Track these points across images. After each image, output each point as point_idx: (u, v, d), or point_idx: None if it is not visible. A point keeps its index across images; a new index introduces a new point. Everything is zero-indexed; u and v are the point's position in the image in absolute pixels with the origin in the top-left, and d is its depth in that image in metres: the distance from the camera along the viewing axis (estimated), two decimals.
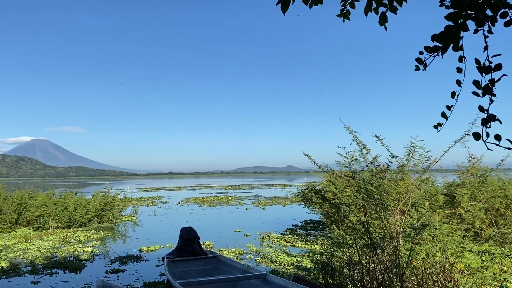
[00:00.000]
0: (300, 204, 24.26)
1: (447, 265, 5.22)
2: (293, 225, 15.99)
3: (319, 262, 6.94)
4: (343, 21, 3.16)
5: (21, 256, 10.59)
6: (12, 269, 9.11)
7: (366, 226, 5.74)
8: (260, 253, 10.38)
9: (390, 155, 6.02)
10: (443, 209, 7.59)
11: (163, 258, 8.02)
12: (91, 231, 15.21)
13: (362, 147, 6.48)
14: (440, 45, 2.20)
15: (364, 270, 5.98)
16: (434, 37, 2.19)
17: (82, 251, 11.19)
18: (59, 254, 10.81)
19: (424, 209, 5.95)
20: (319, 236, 12.99)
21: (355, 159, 6.29)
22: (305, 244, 11.63)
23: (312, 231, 14.31)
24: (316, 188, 15.11)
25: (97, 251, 11.28)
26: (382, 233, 5.86)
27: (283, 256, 9.70)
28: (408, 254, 5.33)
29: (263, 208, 23.98)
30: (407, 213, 5.91)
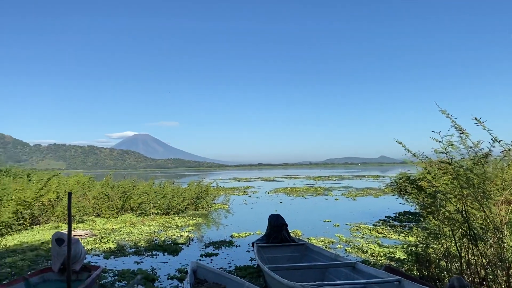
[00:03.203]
0: (393, 195, 23.33)
1: None
2: (386, 216, 15.45)
3: (413, 253, 6.66)
4: None
5: (126, 239, 11.68)
6: (118, 250, 10.10)
7: (465, 215, 5.36)
8: (350, 243, 10.23)
9: (492, 139, 5.49)
10: None
11: (252, 244, 8.29)
12: (187, 218, 16.23)
13: (461, 132, 6.02)
14: None
15: (464, 263, 5.61)
16: None
17: (179, 235, 12.00)
18: (159, 238, 11.72)
19: None
20: (414, 228, 12.38)
21: (452, 145, 5.86)
22: (399, 235, 11.20)
23: (406, 223, 13.71)
24: (411, 177, 14.37)
25: (192, 236, 12.03)
26: (484, 224, 5.42)
27: (375, 247, 9.46)
28: None
29: (354, 199, 23.46)
30: None
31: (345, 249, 9.50)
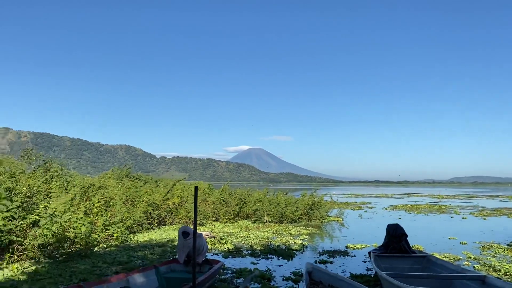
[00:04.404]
0: None
1: None
2: None
3: None
4: None
5: (242, 242, 12.25)
6: (236, 251, 10.66)
7: None
8: (480, 261, 9.31)
9: None
10: None
11: (369, 253, 8.07)
12: (301, 227, 16.36)
13: None
14: None
15: None
16: None
17: (293, 242, 12.18)
18: (273, 243, 12.05)
19: None
20: None
21: None
22: None
23: None
24: None
25: (306, 243, 12.11)
26: None
27: (510, 266, 8.45)
28: None
29: (485, 219, 21.17)
30: None
31: (474, 266, 8.67)
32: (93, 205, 12.01)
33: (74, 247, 9.65)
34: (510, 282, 6.23)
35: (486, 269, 8.39)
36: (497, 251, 10.76)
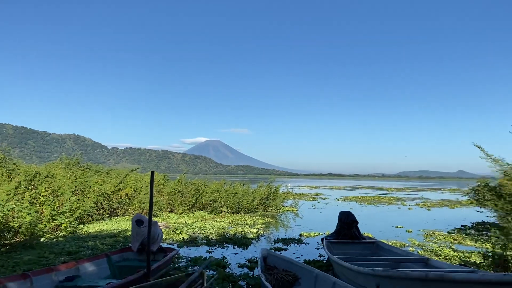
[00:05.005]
0: (471, 206, 21.88)
1: None
2: (462, 225, 14.64)
3: (489, 254, 6.30)
4: None
5: (198, 232, 12.20)
6: (191, 241, 10.61)
7: None
8: (423, 247, 9.84)
9: None
10: None
11: (322, 240, 8.30)
12: (257, 217, 16.52)
13: None
14: None
15: None
16: None
17: (248, 231, 12.29)
18: (229, 232, 12.09)
19: None
20: (492, 237, 11.61)
21: None
22: (475, 243, 10.60)
23: (484, 232, 12.85)
24: (490, 184, 13.48)
25: (261, 232, 12.26)
26: None
27: (449, 251, 9.03)
28: None
29: (428, 209, 22.33)
30: None
31: (418, 251, 9.16)
32: (40, 194, 11.50)
33: (18, 238, 9.22)
34: (449, 263, 6.65)
35: (429, 254, 8.89)
36: (438, 238, 11.44)
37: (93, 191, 14.71)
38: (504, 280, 3.23)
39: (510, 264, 6.00)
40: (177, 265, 7.72)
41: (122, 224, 13.56)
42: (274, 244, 10.31)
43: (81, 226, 12.69)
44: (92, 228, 12.53)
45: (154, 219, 15.13)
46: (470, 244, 10.47)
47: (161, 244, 7.61)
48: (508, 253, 6.21)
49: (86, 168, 19.85)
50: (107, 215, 15.41)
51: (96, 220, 14.37)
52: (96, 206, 14.54)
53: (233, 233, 11.92)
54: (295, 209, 20.24)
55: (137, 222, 7.24)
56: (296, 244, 10.30)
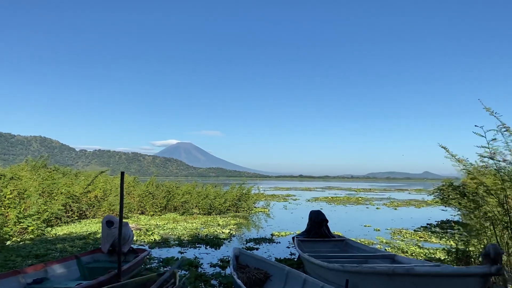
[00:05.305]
0: (436, 206, 22.65)
1: None
2: (427, 224, 15.16)
3: (453, 250, 6.61)
4: None
5: (170, 233, 12.14)
6: (163, 242, 10.55)
7: (506, 207, 5.30)
8: (390, 245, 10.16)
9: None
10: None
11: (293, 239, 8.44)
12: (229, 218, 16.56)
13: (505, 129, 5.96)
14: None
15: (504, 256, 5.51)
16: None
17: (221, 232, 12.32)
18: (201, 233, 12.09)
19: None
20: (456, 234, 12.11)
21: (496, 151, 5.80)
22: (440, 240, 11.03)
23: (448, 230, 13.38)
24: (454, 184, 14.06)
25: (234, 233, 12.33)
26: None
27: (415, 248, 9.37)
28: None
29: (395, 209, 22.99)
30: None
31: (385, 249, 9.44)
32: (4, 197, 11.16)
33: None
34: (415, 259, 6.93)
35: (396, 251, 9.19)
36: (405, 236, 11.84)
37: (61, 193, 14.36)
38: (467, 272, 3.42)
39: (472, 259, 6.29)
40: (148, 266, 7.68)
41: (91, 226, 13.31)
42: (246, 243, 10.40)
43: (49, 228, 12.38)
44: (61, 230, 12.25)
45: (125, 220, 14.92)
46: (435, 241, 10.88)
47: (132, 245, 7.55)
48: (470, 248, 6.51)
49: (53, 170, 19.33)
50: (76, 218, 15.07)
51: (65, 222, 14.05)
52: (65, 209, 14.21)
53: (205, 233, 11.92)
54: (267, 210, 20.40)
55: (107, 223, 7.16)
56: (267, 244, 10.43)
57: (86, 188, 16.11)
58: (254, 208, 20.58)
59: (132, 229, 12.55)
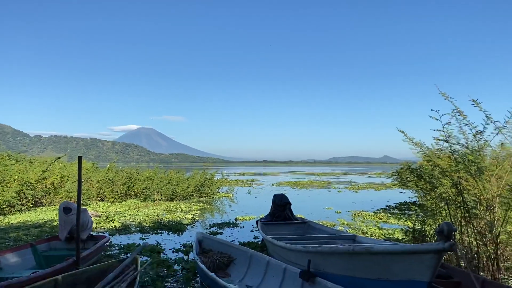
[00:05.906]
0: (395, 188, 23.48)
1: None
2: (386, 206, 15.68)
3: (410, 230, 6.85)
4: None
5: (130, 220, 11.89)
6: (123, 228, 10.33)
7: (460, 188, 5.51)
8: (351, 226, 10.43)
9: (486, 117, 5.65)
10: None
11: (257, 222, 8.49)
12: (192, 203, 16.44)
13: (459, 113, 6.16)
14: None
15: (457, 236, 5.76)
16: None
17: (183, 217, 12.21)
18: (163, 219, 11.92)
19: None
20: (413, 215, 12.62)
21: (450, 135, 5.97)
22: (398, 221, 11.47)
23: (406, 211, 13.90)
24: (412, 166, 14.60)
25: (197, 218, 12.25)
26: (477, 197, 5.58)
27: (375, 229, 9.68)
28: (503, 218, 5.05)
29: (356, 192, 23.65)
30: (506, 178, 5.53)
31: (346, 231, 9.68)
32: None
33: None
34: (374, 239, 7.13)
35: (357, 232, 9.46)
36: (365, 218, 12.22)
37: (14, 180, 13.73)
38: (422, 249, 3.54)
39: (428, 238, 6.53)
40: (109, 252, 7.49)
41: (48, 214, 12.84)
42: (210, 228, 10.36)
43: (2, 217, 11.85)
44: (15, 219, 11.73)
45: (83, 207, 14.48)
46: (393, 222, 11.29)
47: (91, 232, 7.33)
48: (426, 228, 6.75)
49: (5, 157, 18.42)
50: (31, 206, 14.48)
51: (19, 211, 13.48)
52: (18, 196, 13.62)
53: (167, 219, 11.77)
54: (231, 195, 20.42)
55: (65, 209, 6.89)
56: (231, 228, 10.43)
57: (41, 174, 15.48)
58: (218, 194, 20.54)
59: (92, 216, 12.23)
